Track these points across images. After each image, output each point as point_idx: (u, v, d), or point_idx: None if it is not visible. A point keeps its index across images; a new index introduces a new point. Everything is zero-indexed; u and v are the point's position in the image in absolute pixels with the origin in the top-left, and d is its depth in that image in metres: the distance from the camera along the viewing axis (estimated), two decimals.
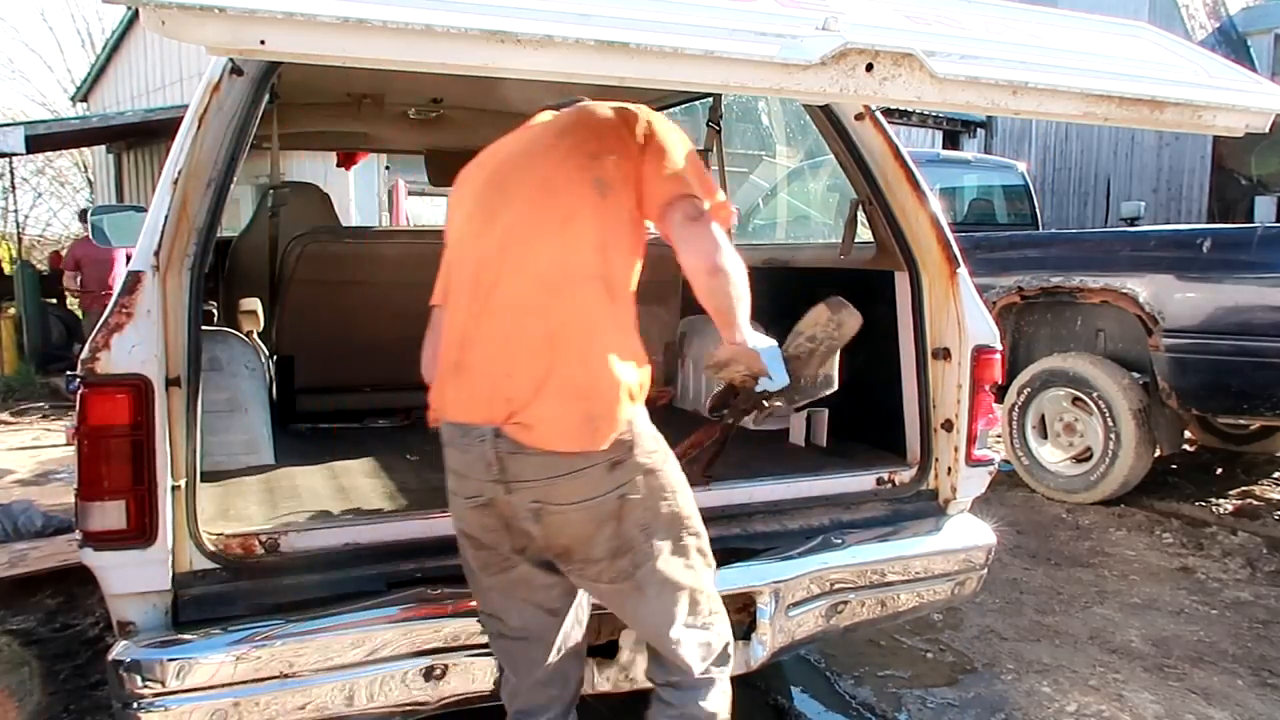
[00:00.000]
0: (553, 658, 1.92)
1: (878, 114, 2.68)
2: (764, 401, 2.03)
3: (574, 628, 1.96)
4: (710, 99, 3.83)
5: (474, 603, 2.00)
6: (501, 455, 1.72)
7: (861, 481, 2.66)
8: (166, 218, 2.02)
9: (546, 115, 1.99)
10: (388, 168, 11.38)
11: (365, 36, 1.26)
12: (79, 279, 9.54)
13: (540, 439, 1.70)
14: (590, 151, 1.82)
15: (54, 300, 11.23)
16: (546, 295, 1.75)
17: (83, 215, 9.18)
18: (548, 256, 1.77)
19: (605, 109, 1.92)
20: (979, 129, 12.19)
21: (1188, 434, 6.00)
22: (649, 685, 2.05)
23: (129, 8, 1.35)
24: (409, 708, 2.08)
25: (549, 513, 1.75)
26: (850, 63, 1.50)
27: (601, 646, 2.22)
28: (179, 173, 2.06)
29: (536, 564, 1.86)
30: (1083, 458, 5.44)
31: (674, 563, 1.85)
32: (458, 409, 1.80)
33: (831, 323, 2.06)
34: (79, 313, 10.06)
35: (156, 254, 1.99)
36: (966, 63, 1.61)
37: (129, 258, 2.05)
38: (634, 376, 1.77)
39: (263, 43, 1.24)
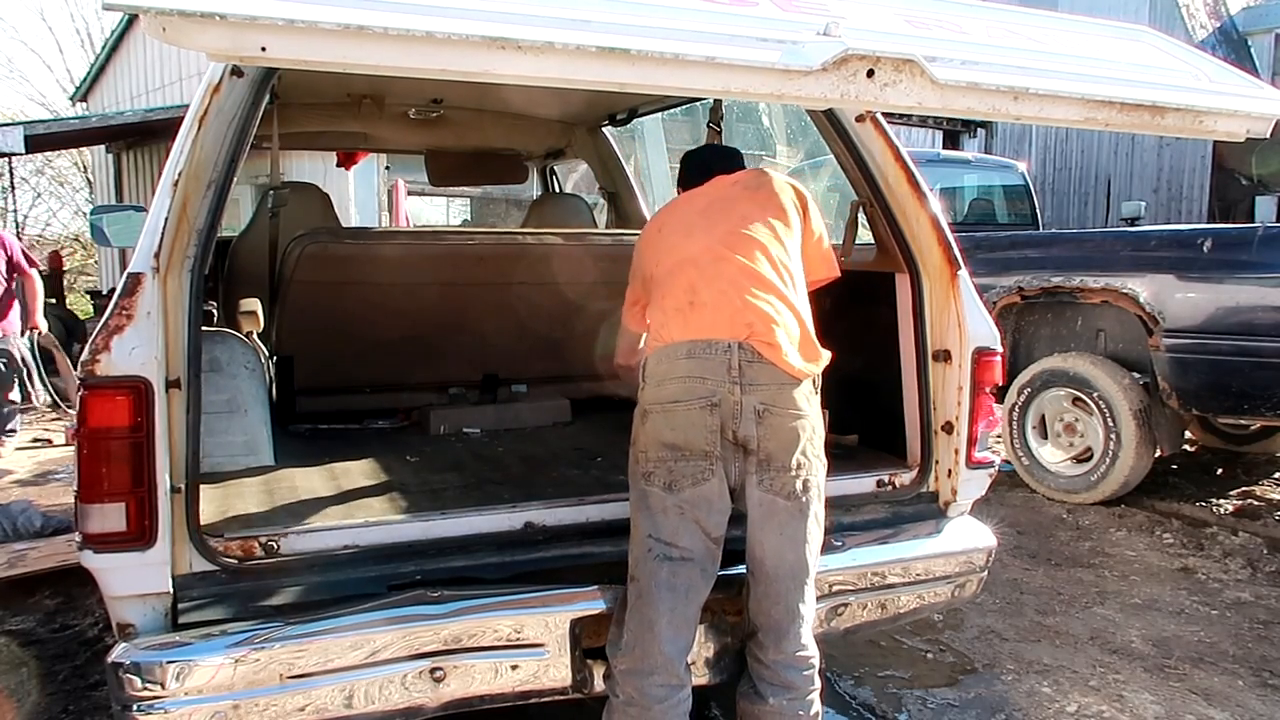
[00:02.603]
0: (702, 587, 2.13)
1: (879, 115, 2.67)
2: None
3: (714, 572, 2.16)
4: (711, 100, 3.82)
5: (647, 532, 2.11)
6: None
7: (862, 484, 2.66)
8: (166, 219, 2.02)
9: None
10: (388, 168, 11.36)
11: (366, 43, 1.26)
12: None
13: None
14: None
15: (53, 300, 11.21)
16: None
17: None
18: None
19: None
20: (979, 129, 12.20)
21: (1188, 434, 6.00)
22: None
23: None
24: (409, 710, 2.08)
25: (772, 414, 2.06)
26: (851, 68, 1.50)
27: (601, 647, 2.22)
28: (179, 174, 2.06)
29: (725, 481, 2.10)
30: (1083, 458, 5.43)
31: (821, 508, 2.19)
32: None
33: None
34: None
35: (157, 255, 1.99)
36: (967, 68, 1.61)
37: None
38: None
39: (264, 49, 1.24)
